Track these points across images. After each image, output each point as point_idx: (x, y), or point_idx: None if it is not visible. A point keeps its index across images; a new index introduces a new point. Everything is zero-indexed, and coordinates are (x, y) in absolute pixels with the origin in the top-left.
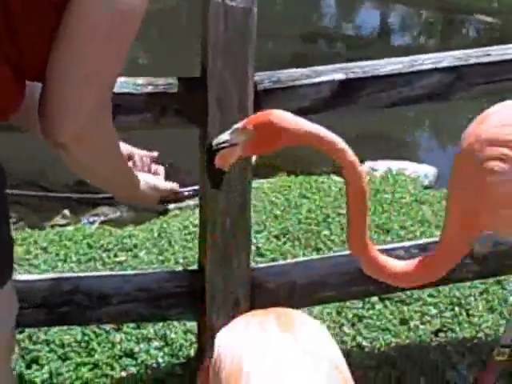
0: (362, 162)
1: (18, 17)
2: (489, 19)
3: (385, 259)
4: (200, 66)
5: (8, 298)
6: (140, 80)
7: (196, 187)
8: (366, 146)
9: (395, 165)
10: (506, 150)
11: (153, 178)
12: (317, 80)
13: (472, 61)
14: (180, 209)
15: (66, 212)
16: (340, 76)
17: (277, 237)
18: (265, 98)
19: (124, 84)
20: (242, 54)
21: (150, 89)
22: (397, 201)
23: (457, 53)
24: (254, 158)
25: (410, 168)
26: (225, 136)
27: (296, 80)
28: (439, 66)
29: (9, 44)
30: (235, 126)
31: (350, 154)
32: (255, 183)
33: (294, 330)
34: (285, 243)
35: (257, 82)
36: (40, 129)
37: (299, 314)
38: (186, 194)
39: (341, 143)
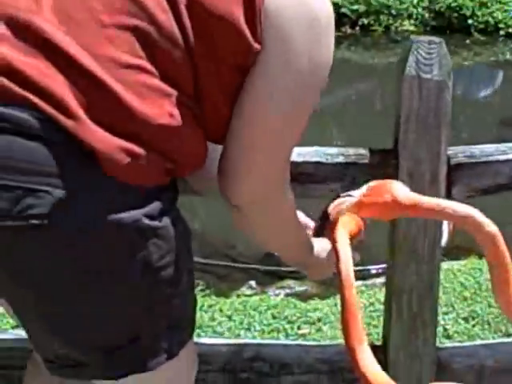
0: None
1: (204, 78)
2: None
3: None
4: (393, 139)
5: (190, 356)
6: (331, 150)
7: (384, 265)
8: None
9: None
10: None
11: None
12: None
13: None
14: (366, 286)
15: (253, 283)
16: None
17: (465, 319)
18: (457, 172)
19: (315, 153)
20: (435, 127)
21: (340, 159)
22: None
23: None
24: (445, 239)
25: None
26: (355, 192)
27: (490, 156)
28: None
29: (196, 105)
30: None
31: (479, 219)
32: (446, 264)
33: None
34: (473, 326)
35: (450, 157)
36: (219, 189)
37: None
38: (374, 271)
39: (466, 210)
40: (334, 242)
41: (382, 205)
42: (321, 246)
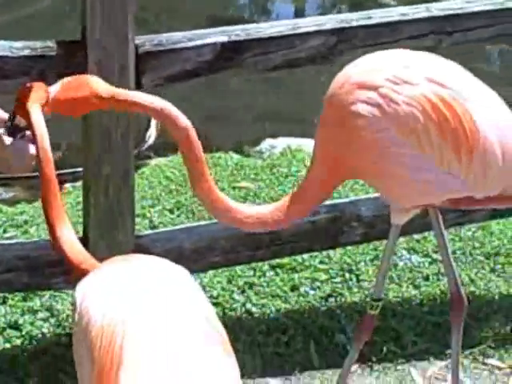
0: (261, 139)
1: None
2: (394, 3)
3: (233, 204)
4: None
5: None
6: (17, 43)
7: None
8: (267, 124)
9: (294, 142)
10: (373, 94)
11: (25, 145)
12: (199, 43)
13: (354, 23)
14: (74, 187)
15: None
16: (222, 38)
17: (170, 210)
18: (146, 61)
19: (0, 47)
20: (121, 16)
21: (27, 52)
22: (293, 174)
23: (339, 16)
24: (153, 136)
25: (309, 144)
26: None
27: (178, 43)
28: (322, 28)
29: None
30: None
31: (173, 112)
32: (153, 160)
33: (162, 282)
34: (178, 216)
35: (138, 45)
36: None
37: (164, 263)
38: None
39: (160, 102)
40: (28, 119)
41: (81, 100)
42: (13, 143)
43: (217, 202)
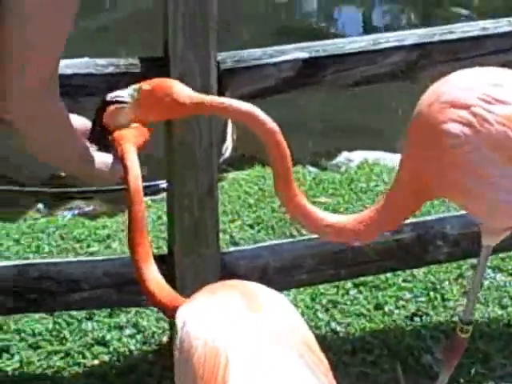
0: (339, 152)
1: None
2: (465, 12)
3: (315, 210)
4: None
5: None
6: (101, 61)
7: None
8: (343, 137)
9: (371, 155)
10: (465, 113)
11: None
12: (280, 59)
13: (436, 38)
14: (154, 200)
15: (40, 206)
16: (303, 55)
17: (251, 226)
18: (228, 77)
19: (85, 64)
20: (203, 32)
21: (111, 69)
22: (372, 189)
23: (420, 31)
24: (229, 149)
25: (386, 158)
26: (123, 92)
27: (259, 59)
28: (403, 43)
29: None
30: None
31: (261, 116)
32: (231, 174)
33: (262, 308)
34: (259, 231)
35: (219, 62)
36: None
37: (262, 289)
38: (163, 186)
39: (247, 107)
40: (122, 158)
41: (164, 108)
42: (102, 157)
43: (299, 208)
